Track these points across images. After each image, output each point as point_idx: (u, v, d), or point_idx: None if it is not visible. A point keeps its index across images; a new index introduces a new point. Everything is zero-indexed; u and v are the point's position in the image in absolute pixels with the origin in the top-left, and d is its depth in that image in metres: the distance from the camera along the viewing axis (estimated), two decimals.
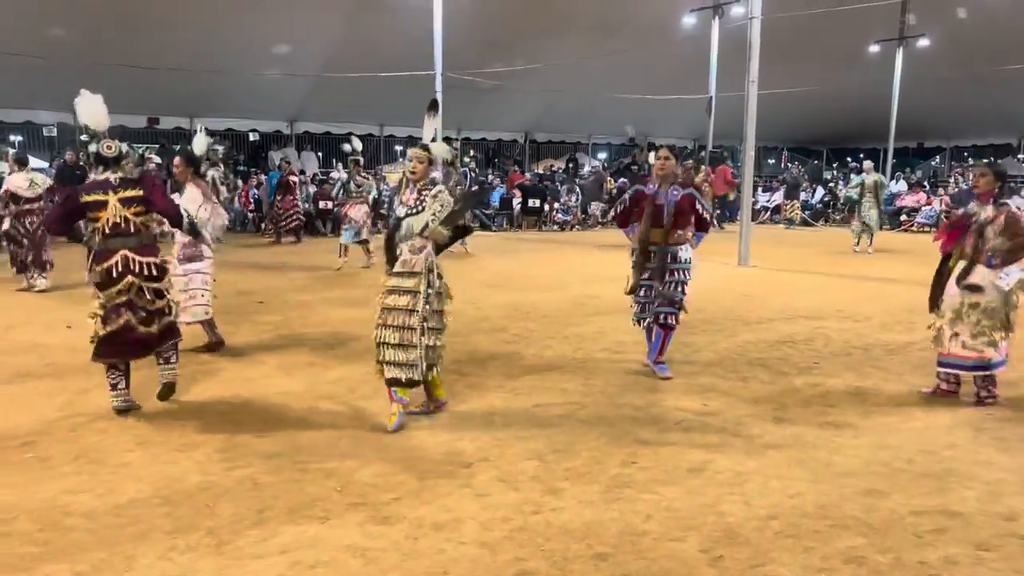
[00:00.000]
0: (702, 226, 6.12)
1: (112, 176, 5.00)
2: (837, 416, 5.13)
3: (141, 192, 5.02)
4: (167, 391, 5.23)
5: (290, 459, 4.27)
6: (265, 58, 20.69)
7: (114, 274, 4.90)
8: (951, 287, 5.46)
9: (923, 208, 21.56)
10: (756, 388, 5.77)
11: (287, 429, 4.76)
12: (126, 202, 4.95)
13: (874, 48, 26.09)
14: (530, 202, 20.71)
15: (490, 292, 9.96)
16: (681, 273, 5.96)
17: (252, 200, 19.30)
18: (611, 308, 8.78)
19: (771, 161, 33.93)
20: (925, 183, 26.43)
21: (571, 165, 27.82)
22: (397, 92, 21.33)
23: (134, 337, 4.97)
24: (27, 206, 9.74)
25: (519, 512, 3.66)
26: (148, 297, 4.99)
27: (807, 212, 23.35)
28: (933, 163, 33.18)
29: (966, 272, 5.40)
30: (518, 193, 20.94)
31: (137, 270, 4.93)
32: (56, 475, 4.03)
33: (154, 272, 5.01)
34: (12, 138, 20.14)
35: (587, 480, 4.04)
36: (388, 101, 22.59)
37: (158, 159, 16.65)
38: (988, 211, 5.36)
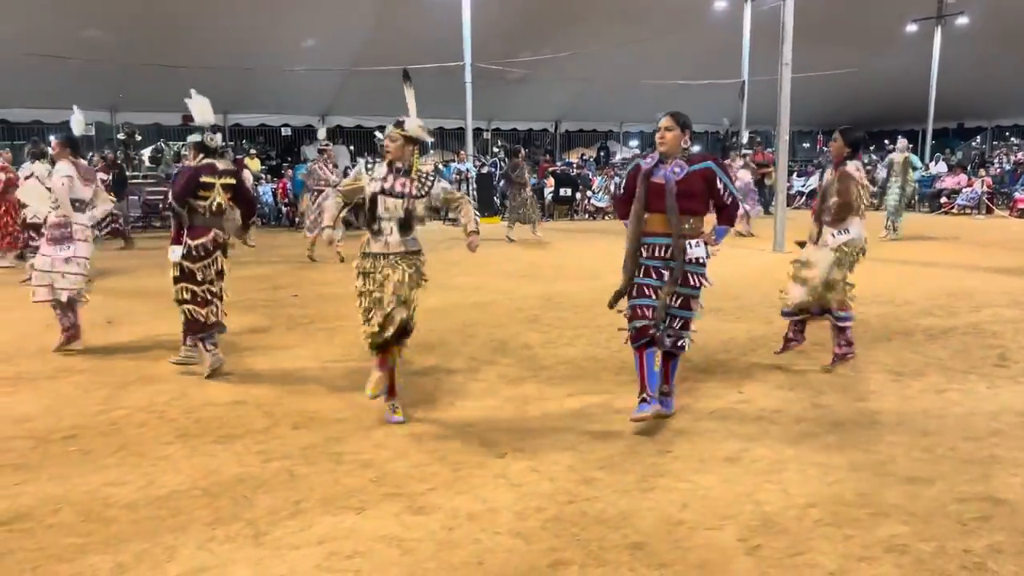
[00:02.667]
0: (725, 216, 4.62)
1: (219, 164, 5.83)
2: (876, 403, 5.04)
3: (234, 181, 5.89)
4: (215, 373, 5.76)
5: (325, 450, 4.31)
6: (296, 53, 20.87)
7: (205, 250, 5.68)
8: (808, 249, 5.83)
9: (964, 190, 21.09)
10: (793, 375, 5.69)
11: (322, 421, 4.80)
12: (225, 188, 5.80)
13: (911, 27, 25.58)
14: (562, 191, 20.63)
15: (523, 282, 9.95)
16: (693, 279, 4.53)
17: (288, 194, 19.46)
18: None
19: (806, 145, 33.46)
20: (966, 164, 25.85)
21: (602, 153, 27.68)
22: (427, 84, 21.34)
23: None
24: None
25: (554, 502, 3.65)
26: (219, 270, 5.79)
27: None
28: (974, 144, 32.47)
29: (809, 241, 5.81)
30: (550, 182, 20.88)
31: (222, 245, 5.79)
32: (98, 468, 4.11)
33: (226, 251, 5.88)
34: (51, 137, 20.53)
35: (622, 469, 4.01)
36: (418, 93, 22.64)
37: None
38: (829, 174, 5.72)
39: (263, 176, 20.37)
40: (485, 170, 20.03)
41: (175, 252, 5.68)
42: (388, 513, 3.55)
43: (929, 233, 15.30)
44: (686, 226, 4.48)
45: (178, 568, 3.11)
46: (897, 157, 14.74)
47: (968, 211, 20.49)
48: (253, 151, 22.04)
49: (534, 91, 25.32)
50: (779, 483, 3.82)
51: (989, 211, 20.40)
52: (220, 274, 5.80)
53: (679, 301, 4.55)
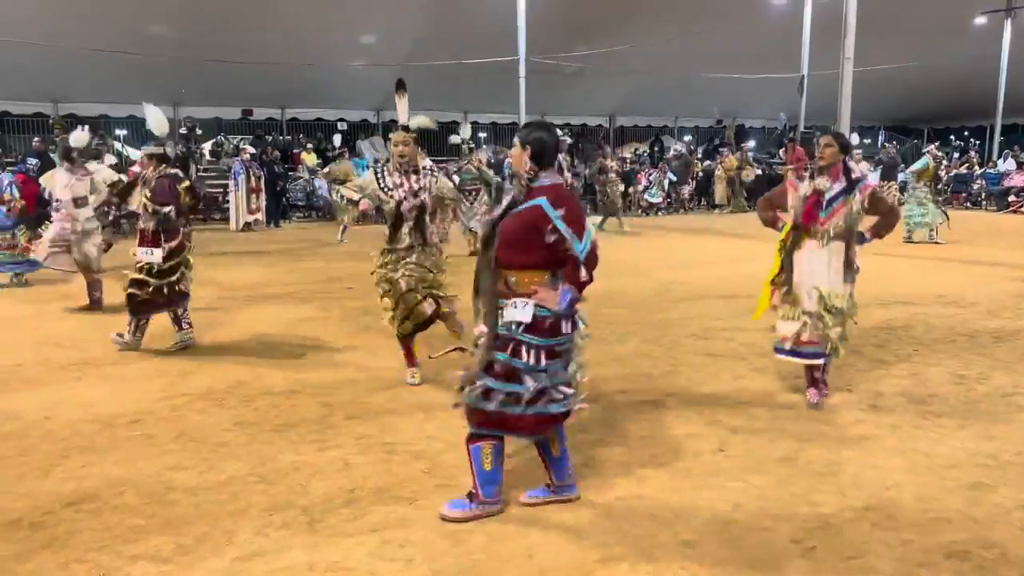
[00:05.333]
0: (566, 275, 3.38)
1: (178, 171, 6.49)
2: (939, 405, 4.91)
3: (189, 184, 6.40)
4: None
5: (379, 440, 4.37)
6: (352, 49, 21.12)
7: (178, 250, 6.29)
8: (804, 272, 4.90)
9: None
10: (850, 376, 5.57)
11: (376, 411, 4.86)
12: (185, 192, 6.32)
13: (980, 20, 24.77)
14: None
15: None
16: (516, 349, 3.35)
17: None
18: (697, 294, 8.66)
19: (867, 141, 32.63)
20: None
21: (656, 149, 27.38)
22: (481, 78, 21.46)
23: None
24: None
25: (604, 497, 3.64)
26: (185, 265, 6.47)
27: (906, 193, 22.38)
28: None
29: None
30: None
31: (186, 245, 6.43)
32: (161, 452, 4.23)
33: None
34: (117, 132, 21.16)
35: (674, 467, 3.99)
36: (472, 88, 22.75)
37: (252, 149, 17.16)
38: (837, 187, 4.80)
39: (319, 169, 20.65)
40: None
41: (155, 254, 6.13)
42: (440, 504, 3.58)
43: (997, 233, 14.80)
44: (509, 280, 3.39)
45: (236, 551, 3.19)
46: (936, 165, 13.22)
47: None
48: (310, 145, 22.37)
49: (589, 85, 25.19)
50: (835, 485, 3.76)
51: None
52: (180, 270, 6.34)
53: (498, 368, 3.38)
